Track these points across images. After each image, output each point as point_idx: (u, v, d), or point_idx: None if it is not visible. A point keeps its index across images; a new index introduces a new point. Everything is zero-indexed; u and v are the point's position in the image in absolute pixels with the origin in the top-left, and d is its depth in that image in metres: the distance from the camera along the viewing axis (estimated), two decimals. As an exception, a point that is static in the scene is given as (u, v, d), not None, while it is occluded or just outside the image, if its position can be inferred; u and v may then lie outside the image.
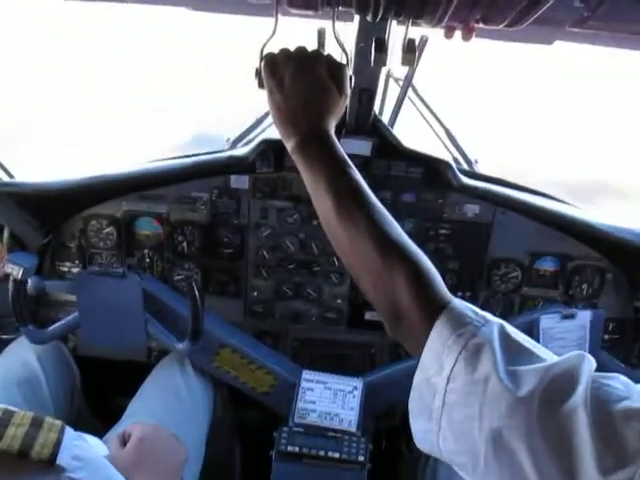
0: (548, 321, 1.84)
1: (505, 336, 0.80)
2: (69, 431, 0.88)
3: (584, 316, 1.85)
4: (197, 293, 1.70)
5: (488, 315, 0.85)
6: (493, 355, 0.76)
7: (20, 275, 1.63)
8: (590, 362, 0.74)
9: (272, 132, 2.10)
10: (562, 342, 1.83)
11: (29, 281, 1.72)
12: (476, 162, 2.30)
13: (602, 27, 1.17)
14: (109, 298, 1.78)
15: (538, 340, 1.79)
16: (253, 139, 2.19)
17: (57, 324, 1.84)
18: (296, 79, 1.08)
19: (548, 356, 0.79)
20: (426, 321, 0.85)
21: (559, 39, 1.36)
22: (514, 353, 0.78)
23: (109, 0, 1.23)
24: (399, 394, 1.88)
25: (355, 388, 1.87)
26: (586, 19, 1.10)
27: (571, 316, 1.85)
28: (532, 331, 1.84)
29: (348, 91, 1.15)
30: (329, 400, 1.84)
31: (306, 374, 1.93)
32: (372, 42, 1.20)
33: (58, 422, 0.86)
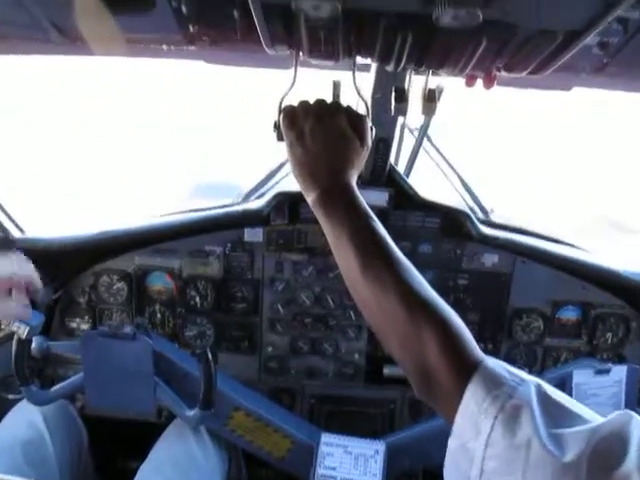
0: (581, 376, 1.75)
1: (544, 396, 0.74)
2: None
3: (619, 371, 1.75)
4: (210, 361, 1.64)
5: (523, 374, 0.79)
6: (533, 417, 0.70)
7: (25, 334, 1.57)
8: (638, 422, 0.68)
9: (285, 184, 2.09)
10: (596, 399, 1.73)
11: (33, 341, 1.67)
12: (492, 211, 2.28)
13: (621, 73, 1.16)
14: (117, 360, 1.71)
15: (571, 396, 1.71)
16: (266, 192, 2.18)
17: (60, 385, 1.76)
18: (316, 131, 1.04)
19: (591, 416, 0.72)
20: (458, 382, 0.79)
21: (578, 85, 1.35)
22: (555, 414, 0.72)
23: (127, 55, 1.23)
24: (422, 455, 1.80)
25: (377, 452, 1.77)
26: (605, 65, 1.09)
27: (605, 371, 1.76)
28: (564, 387, 1.74)
29: (370, 142, 1.11)
30: (350, 465, 1.73)
31: (325, 437, 1.83)
32: (390, 92, 1.18)
33: None
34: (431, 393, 0.86)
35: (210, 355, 1.61)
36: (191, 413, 1.67)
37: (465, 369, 0.79)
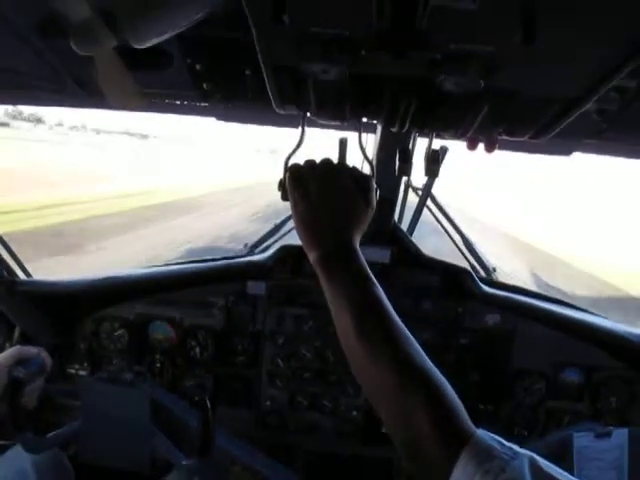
0: (582, 440, 1.69)
1: (538, 470, 0.71)
2: None
3: (620, 435, 1.70)
4: (209, 409, 1.61)
5: (515, 447, 0.76)
6: None
7: (24, 377, 1.55)
8: None
9: (290, 238, 2.11)
10: (598, 463, 1.67)
11: (31, 384, 1.65)
12: (494, 270, 2.28)
13: (619, 139, 1.20)
14: (114, 406, 1.69)
15: (572, 461, 1.66)
16: (271, 245, 2.20)
17: (56, 432, 1.72)
18: (322, 191, 1.05)
19: None
20: (448, 454, 0.76)
21: (578, 150, 1.39)
22: None
23: (142, 110, 1.27)
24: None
25: None
26: (603, 132, 1.12)
27: (606, 434, 1.71)
28: (565, 451, 1.69)
29: (374, 203, 1.11)
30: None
31: None
32: (395, 152, 1.21)
33: None
34: (419, 463, 0.83)
35: (209, 404, 1.59)
36: (188, 462, 1.64)
37: (456, 441, 0.77)
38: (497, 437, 0.78)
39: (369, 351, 0.89)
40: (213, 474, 1.74)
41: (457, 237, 2.32)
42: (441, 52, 0.72)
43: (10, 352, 1.54)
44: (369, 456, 2.08)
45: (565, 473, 0.73)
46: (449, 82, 0.77)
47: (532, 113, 0.94)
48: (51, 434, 1.71)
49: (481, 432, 0.78)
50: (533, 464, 0.72)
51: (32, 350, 1.57)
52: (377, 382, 0.89)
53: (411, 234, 2.19)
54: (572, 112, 0.89)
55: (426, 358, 0.88)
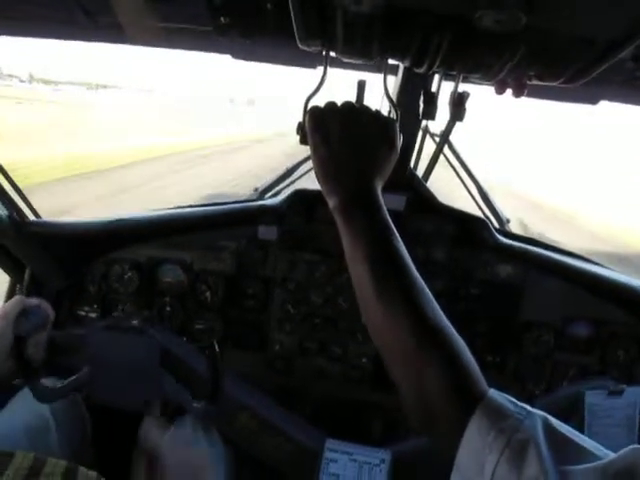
0: (593, 397, 1.68)
1: (551, 430, 0.71)
2: None
3: (633, 393, 1.69)
4: (217, 354, 1.60)
5: (527, 406, 0.75)
6: (540, 454, 0.66)
7: (24, 330, 1.53)
8: None
9: (302, 183, 2.07)
10: (609, 420, 1.67)
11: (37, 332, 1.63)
12: (508, 222, 2.25)
13: None
14: (123, 352, 1.66)
15: (583, 417, 1.66)
16: (282, 190, 2.16)
17: (68, 380, 1.68)
18: (344, 134, 1.00)
19: (600, 451, 0.69)
20: (462, 412, 0.75)
21: (606, 99, 1.33)
22: (563, 450, 0.68)
23: (154, 45, 1.22)
24: (429, 468, 1.76)
25: (382, 461, 1.72)
26: (636, 79, 1.07)
27: (618, 392, 1.69)
28: (576, 407, 1.69)
29: (398, 148, 1.06)
30: (354, 473, 1.68)
31: (329, 443, 1.77)
32: (419, 95, 1.16)
33: (93, 473, 0.79)
34: (431, 423, 0.82)
35: (217, 346, 1.58)
36: (199, 405, 1.64)
37: (469, 400, 0.76)
38: (509, 397, 0.77)
39: (385, 306, 0.86)
40: (221, 419, 1.76)
41: (472, 186, 2.28)
42: None
43: (14, 303, 1.53)
44: (377, 402, 2.10)
45: (577, 433, 0.73)
46: (488, 18, 0.72)
47: (569, 55, 0.88)
48: (62, 383, 1.70)
49: (494, 391, 0.77)
50: (546, 423, 0.71)
51: (33, 301, 1.55)
52: (391, 338, 0.87)
53: (426, 181, 2.14)
54: (610, 56, 0.84)
55: (443, 316, 0.85)
